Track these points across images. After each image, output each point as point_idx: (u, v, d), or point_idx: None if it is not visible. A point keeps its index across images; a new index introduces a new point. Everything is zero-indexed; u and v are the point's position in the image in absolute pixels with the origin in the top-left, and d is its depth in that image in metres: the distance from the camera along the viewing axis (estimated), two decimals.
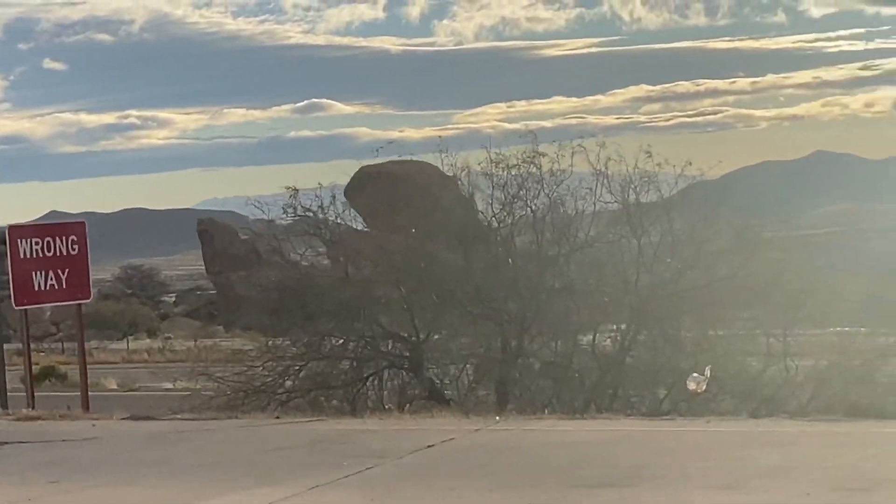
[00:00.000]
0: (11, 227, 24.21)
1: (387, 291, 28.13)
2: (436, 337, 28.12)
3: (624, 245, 28.61)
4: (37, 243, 23.76)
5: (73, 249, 23.99)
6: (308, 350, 27.82)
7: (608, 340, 28.39)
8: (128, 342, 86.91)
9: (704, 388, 25.38)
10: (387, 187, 42.47)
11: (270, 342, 28.65)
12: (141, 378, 49.84)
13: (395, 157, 32.78)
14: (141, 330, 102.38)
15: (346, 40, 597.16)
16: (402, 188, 39.10)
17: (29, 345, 25.03)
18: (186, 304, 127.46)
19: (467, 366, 28.13)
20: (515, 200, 28.72)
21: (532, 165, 28.39)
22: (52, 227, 24.83)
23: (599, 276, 28.15)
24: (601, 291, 27.87)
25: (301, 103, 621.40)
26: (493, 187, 28.68)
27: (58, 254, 23.92)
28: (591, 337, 28.24)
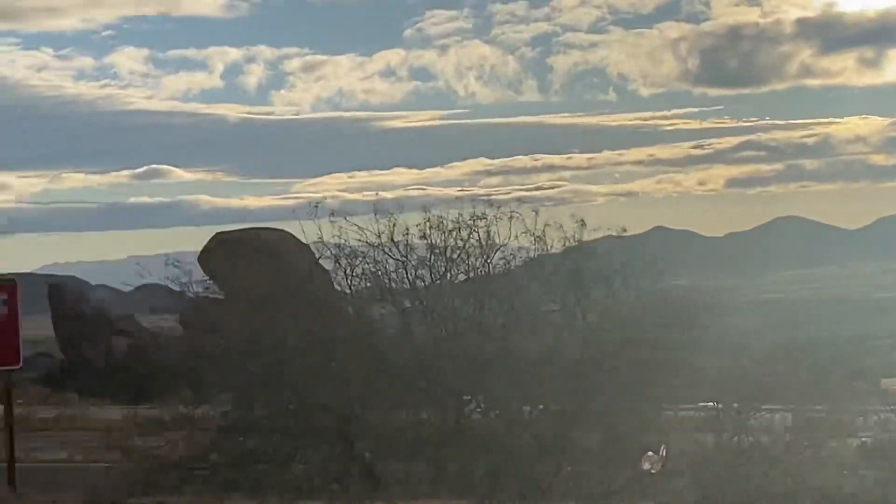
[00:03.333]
0: None
1: (318, 359, 26.41)
2: (369, 410, 26.43)
3: (567, 315, 27.36)
4: None
5: (2, 311, 21.76)
6: (237, 422, 25.98)
7: (549, 416, 27.03)
8: None
9: (660, 467, 24.35)
10: (247, 255, 41.45)
11: (189, 411, 26.65)
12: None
13: (247, 225, 30.77)
14: None
15: (188, 106, 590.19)
16: (265, 256, 38.57)
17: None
18: (34, 371, 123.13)
19: (402, 442, 26.49)
20: (451, 266, 27.38)
21: (473, 230, 27.05)
22: None
23: (542, 348, 26.81)
24: (544, 364, 26.51)
25: (141, 169, 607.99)
26: (430, 252, 27.25)
27: None
28: (531, 412, 26.87)
